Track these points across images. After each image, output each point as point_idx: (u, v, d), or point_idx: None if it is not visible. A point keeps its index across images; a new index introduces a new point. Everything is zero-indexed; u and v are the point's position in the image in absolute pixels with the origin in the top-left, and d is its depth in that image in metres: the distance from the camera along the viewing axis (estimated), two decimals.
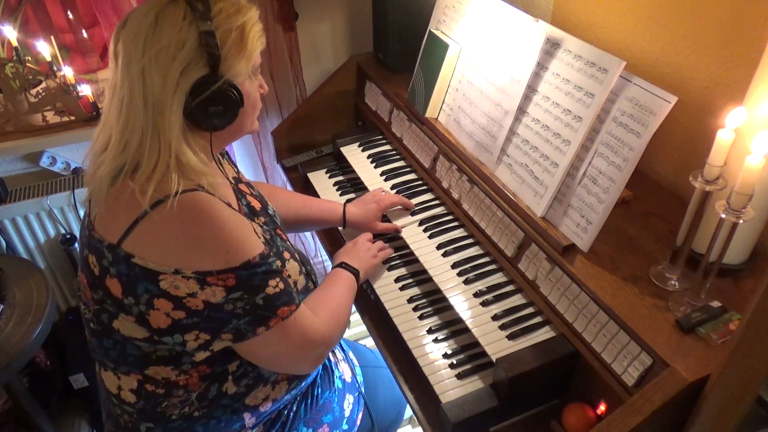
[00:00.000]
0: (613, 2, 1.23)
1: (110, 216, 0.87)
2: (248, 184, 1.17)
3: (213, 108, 0.88)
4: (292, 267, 1.04)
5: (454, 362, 1.10)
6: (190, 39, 0.84)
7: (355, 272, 1.19)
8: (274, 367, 1.00)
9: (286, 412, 1.11)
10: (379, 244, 1.31)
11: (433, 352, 1.12)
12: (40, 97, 1.64)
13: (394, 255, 1.36)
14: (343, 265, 1.19)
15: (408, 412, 1.82)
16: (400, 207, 1.39)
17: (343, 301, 1.11)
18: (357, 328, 2.12)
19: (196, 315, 0.85)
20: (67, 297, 1.98)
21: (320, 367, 1.20)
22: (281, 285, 0.92)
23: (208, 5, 0.86)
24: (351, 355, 1.34)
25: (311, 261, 2.23)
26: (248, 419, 1.03)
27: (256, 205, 1.11)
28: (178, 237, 0.84)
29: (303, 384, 1.11)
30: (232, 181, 1.10)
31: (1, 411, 1.67)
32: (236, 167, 1.23)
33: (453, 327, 1.17)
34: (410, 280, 1.29)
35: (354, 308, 1.35)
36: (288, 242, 1.13)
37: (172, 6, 0.85)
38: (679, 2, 1.09)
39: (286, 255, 1.05)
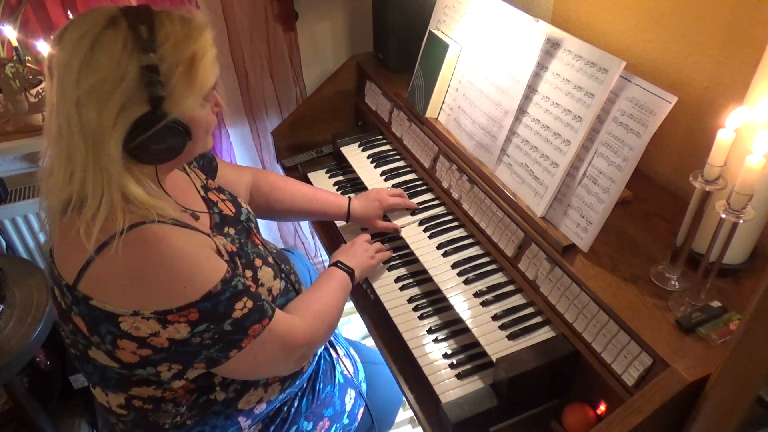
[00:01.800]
0: (613, 2, 1.23)
1: (63, 253, 0.83)
2: (219, 190, 1.13)
3: (155, 146, 0.81)
4: (266, 273, 1.01)
5: (454, 362, 1.10)
6: (130, 74, 0.76)
7: (349, 271, 1.18)
8: (256, 377, 0.99)
9: (286, 408, 1.12)
10: (377, 245, 1.31)
11: (433, 352, 1.12)
12: (40, 97, 1.64)
13: (394, 255, 1.36)
14: (339, 264, 1.19)
15: (408, 412, 1.82)
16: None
17: (331, 301, 1.09)
18: (357, 328, 2.12)
19: (162, 351, 0.82)
20: None
21: (322, 362, 1.21)
22: (249, 304, 0.88)
23: (153, 31, 0.77)
24: (352, 351, 1.34)
25: (312, 260, 2.23)
26: (243, 422, 1.03)
27: (229, 211, 1.08)
28: (129, 279, 0.79)
29: (298, 382, 1.10)
30: (201, 190, 1.06)
31: (1, 411, 1.67)
32: (208, 168, 1.19)
33: (453, 327, 1.17)
34: (410, 280, 1.29)
35: (354, 308, 1.35)
36: (260, 246, 1.09)
37: (111, 31, 0.76)
38: (679, 2, 1.09)
39: (258, 262, 1.01)
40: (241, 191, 1.30)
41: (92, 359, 0.88)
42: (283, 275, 1.09)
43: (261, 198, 1.34)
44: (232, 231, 1.05)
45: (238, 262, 0.96)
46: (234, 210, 1.10)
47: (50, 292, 0.91)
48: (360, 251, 1.25)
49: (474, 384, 1.06)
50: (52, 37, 0.80)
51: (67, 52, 0.77)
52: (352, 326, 2.16)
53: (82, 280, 0.80)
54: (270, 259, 1.06)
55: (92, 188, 0.79)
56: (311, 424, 1.15)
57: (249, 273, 0.98)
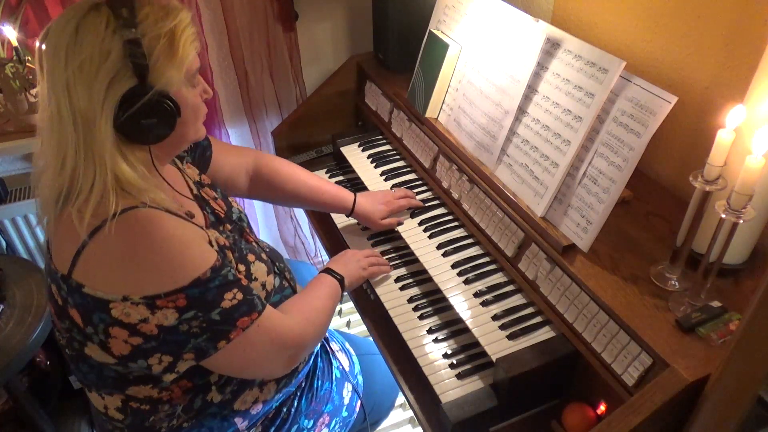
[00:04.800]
0: (613, 2, 1.23)
1: (58, 245, 0.84)
2: (212, 187, 1.13)
3: (146, 121, 0.83)
4: (259, 268, 1.01)
5: (454, 362, 1.10)
6: (115, 49, 0.79)
7: (339, 278, 1.17)
8: (246, 374, 0.98)
9: (285, 409, 1.12)
10: (372, 259, 1.29)
11: (433, 352, 1.12)
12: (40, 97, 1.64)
13: (393, 255, 1.36)
14: (329, 271, 1.19)
15: (408, 412, 1.82)
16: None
17: (320, 304, 1.09)
18: (357, 327, 2.12)
19: (153, 339, 0.83)
20: None
21: (319, 359, 1.21)
22: (239, 296, 0.88)
23: (133, 10, 0.81)
24: (347, 345, 1.35)
25: (312, 260, 2.23)
26: (240, 423, 1.03)
27: (222, 210, 1.08)
28: (120, 262, 0.80)
29: (294, 381, 1.11)
30: (194, 187, 1.06)
31: (1, 411, 1.67)
32: (201, 161, 1.19)
33: (453, 327, 1.17)
34: (410, 280, 1.29)
35: (354, 308, 1.35)
36: (254, 243, 1.10)
37: (94, 14, 0.80)
38: (679, 2, 1.09)
39: (251, 257, 1.01)
40: (241, 177, 1.30)
41: (88, 357, 0.88)
42: (277, 271, 1.09)
43: (262, 183, 1.32)
44: (227, 228, 1.05)
45: (231, 256, 0.96)
46: (225, 209, 1.10)
47: (47, 290, 0.90)
48: (352, 261, 1.24)
49: (474, 384, 1.06)
50: (40, 35, 0.83)
51: (54, 40, 0.80)
52: (352, 326, 2.15)
53: (76, 268, 0.81)
54: (263, 256, 1.06)
55: (83, 173, 0.80)
56: (311, 421, 1.16)
57: (242, 267, 0.98)
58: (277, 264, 1.11)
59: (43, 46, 0.81)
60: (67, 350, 0.93)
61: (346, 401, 1.23)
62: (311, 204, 1.37)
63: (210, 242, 0.92)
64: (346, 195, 1.36)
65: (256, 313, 0.90)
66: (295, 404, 1.13)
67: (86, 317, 0.83)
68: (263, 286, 1.01)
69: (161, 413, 0.94)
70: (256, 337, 0.91)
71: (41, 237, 1.83)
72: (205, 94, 0.94)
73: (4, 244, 1.80)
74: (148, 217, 0.82)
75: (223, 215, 1.07)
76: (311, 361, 1.18)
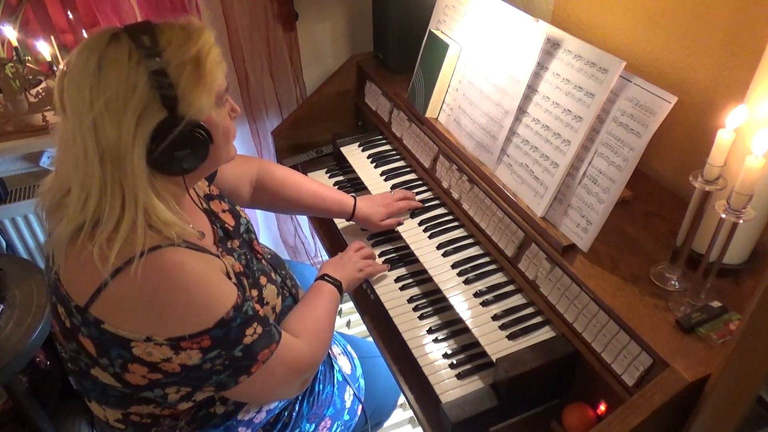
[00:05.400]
0: (613, 2, 1.23)
1: (73, 276, 0.82)
2: (220, 198, 1.11)
3: (179, 152, 0.80)
4: (270, 292, 1.01)
5: (454, 362, 1.10)
6: (141, 82, 0.76)
7: (337, 284, 1.17)
8: (261, 402, 0.99)
9: (287, 414, 1.11)
10: (365, 252, 1.30)
11: (433, 352, 1.12)
12: (40, 97, 1.64)
13: (394, 255, 1.36)
14: (326, 278, 1.18)
15: (408, 412, 1.82)
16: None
17: (325, 318, 1.08)
18: (357, 328, 2.12)
19: (174, 376, 0.83)
20: None
21: (321, 363, 1.20)
22: (259, 329, 0.88)
23: (155, 37, 0.78)
24: (349, 348, 1.34)
25: (312, 260, 2.23)
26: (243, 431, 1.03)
27: (230, 222, 1.07)
28: (145, 305, 0.79)
29: None
30: (204, 202, 1.05)
31: (1, 411, 1.67)
32: (208, 179, 1.16)
33: (453, 327, 1.17)
34: (410, 280, 1.29)
35: (354, 308, 1.35)
36: (263, 261, 1.09)
37: (114, 46, 0.77)
38: (679, 2, 1.09)
39: (263, 280, 1.01)
40: (244, 187, 1.29)
41: (93, 377, 0.87)
42: (284, 287, 1.09)
43: (266, 193, 1.32)
44: (236, 244, 1.04)
45: (245, 282, 0.96)
46: (234, 222, 1.09)
47: (52, 307, 0.88)
48: (349, 264, 1.24)
49: (474, 384, 1.06)
50: (59, 70, 0.79)
51: (76, 79, 0.77)
52: (352, 326, 2.15)
53: (95, 304, 0.79)
54: (273, 275, 1.06)
55: (109, 210, 0.78)
56: (313, 425, 1.15)
57: (255, 292, 0.98)
58: (278, 272, 1.11)
59: (64, 86, 0.78)
60: (69, 364, 0.91)
61: (348, 405, 1.23)
62: (313, 210, 1.37)
63: (227, 273, 0.91)
64: (346, 200, 1.37)
65: (275, 344, 0.90)
66: (297, 408, 1.13)
67: (102, 350, 0.81)
68: (273, 309, 1.02)
69: (163, 426, 0.94)
70: (276, 367, 0.91)
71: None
72: (233, 112, 0.91)
73: (4, 244, 1.80)
74: (173, 260, 0.80)
75: (231, 229, 1.06)
76: None
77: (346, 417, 1.22)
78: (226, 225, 1.06)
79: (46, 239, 0.88)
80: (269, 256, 1.14)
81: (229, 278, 0.91)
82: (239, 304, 0.86)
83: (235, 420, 1.00)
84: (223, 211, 1.09)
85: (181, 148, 0.81)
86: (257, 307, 0.92)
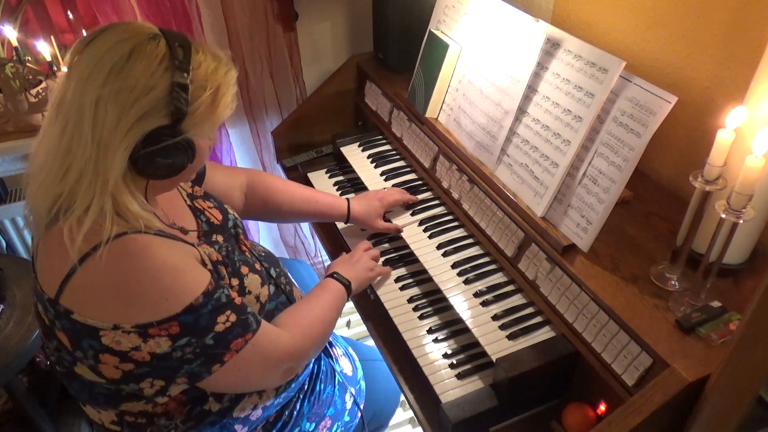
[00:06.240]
0: (613, 2, 1.23)
1: (45, 266, 0.83)
2: (205, 196, 1.12)
3: (161, 160, 0.82)
4: (252, 281, 1.00)
5: (454, 362, 1.10)
6: (160, 86, 0.78)
7: (346, 283, 1.16)
8: (241, 390, 0.97)
9: (287, 412, 1.11)
10: (374, 253, 1.29)
11: (433, 352, 1.12)
12: (40, 97, 1.64)
13: (394, 255, 1.36)
14: (335, 276, 1.17)
15: (408, 412, 1.82)
16: (401, 205, 1.39)
17: (322, 315, 1.07)
18: (357, 328, 2.12)
19: (144, 366, 0.82)
20: None
21: (322, 363, 1.21)
22: (232, 317, 0.87)
23: (189, 53, 0.81)
24: (350, 350, 1.34)
25: (312, 260, 2.23)
26: (240, 429, 1.03)
27: (216, 219, 1.07)
28: (111, 291, 0.79)
29: (294, 386, 1.10)
30: (187, 200, 1.06)
31: (1, 411, 1.67)
32: (194, 178, 1.16)
33: (453, 327, 1.17)
34: (410, 280, 1.29)
35: (354, 308, 1.35)
36: (248, 253, 1.09)
37: (152, 45, 0.79)
38: (679, 2, 1.09)
39: (244, 270, 1.00)
40: (235, 194, 1.29)
41: (79, 375, 0.87)
42: (272, 280, 1.08)
43: (257, 200, 1.32)
44: (220, 239, 1.03)
45: (224, 271, 0.95)
46: (221, 217, 1.09)
47: (34, 309, 0.89)
48: (360, 263, 1.24)
49: (474, 384, 1.06)
50: (80, 38, 0.81)
51: (101, 51, 0.78)
52: (352, 326, 2.15)
53: (64, 293, 0.79)
54: (257, 266, 1.05)
55: (85, 189, 0.79)
56: (313, 424, 1.15)
57: (235, 281, 0.97)
58: (271, 271, 1.10)
59: (84, 51, 0.79)
60: (57, 367, 0.91)
61: (348, 406, 1.23)
62: (306, 214, 1.36)
63: (203, 260, 0.91)
64: (340, 201, 1.37)
65: (251, 333, 0.89)
66: (297, 407, 1.13)
67: (75, 342, 0.81)
68: (257, 298, 1.00)
69: (158, 425, 0.93)
70: (251, 356, 0.90)
71: None
72: (210, 141, 0.93)
73: (4, 244, 1.80)
74: (138, 244, 0.80)
75: (218, 224, 1.06)
76: (313, 365, 1.17)
77: (347, 418, 1.22)
78: (212, 220, 1.06)
79: (25, 214, 0.88)
80: (263, 255, 1.14)
81: (205, 266, 0.90)
82: (210, 290, 0.85)
83: (230, 418, 0.99)
84: (210, 208, 1.09)
85: (165, 156, 0.83)
86: (234, 295, 0.91)
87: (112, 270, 0.78)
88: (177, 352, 0.82)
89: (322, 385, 1.18)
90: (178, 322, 0.81)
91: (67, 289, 0.79)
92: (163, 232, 0.86)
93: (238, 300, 0.90)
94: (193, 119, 0.83)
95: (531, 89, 1.13)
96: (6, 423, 1.67)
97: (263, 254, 1.15)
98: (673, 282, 0.96)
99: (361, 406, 1.26)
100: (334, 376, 1.22)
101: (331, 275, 1.18)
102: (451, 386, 1.06)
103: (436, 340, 1.15)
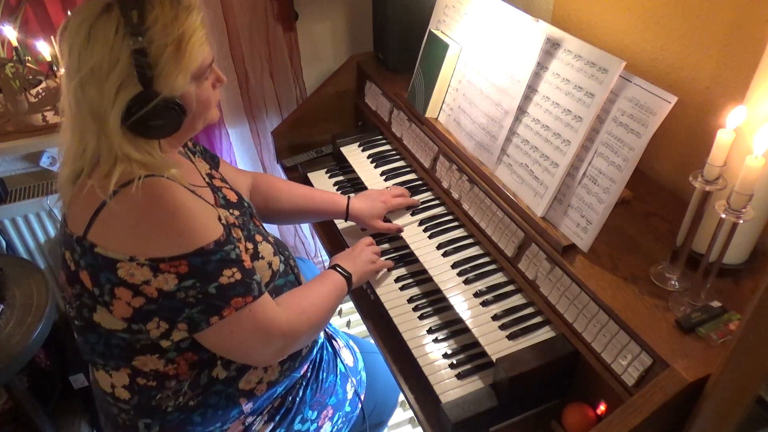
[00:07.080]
0: (613, 2, 1.23)
1: (76, 210, 0.89)
2: (222, 179, 1.16)
3: (153, 122, 0.87)
4: (266, 248, 1.04)
5: (454, 362, 1.10)
6: (123, 57, 0.82)
7: (347, 275, 1.17)
8: (234, 356, 0.98)
9: (291, 398, 1.13)
10: (375, 248, 1.30)
11: (433, 352, 1.12)
12: (40, 97, 1.64)
13: (394, 255, 1.36)
14: (337, 268, 1.19)
15: (408, 412, 1.82)
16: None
17: (320, 300, 1.09)
18: (357, 328, 2.12)
19: (152, 302, 0.86)
20: None
21: (324, 352, 1.22)
22: (238, 275, 0.90)
23: (143, 13, 0.83)
24: (351, 342, 1.36)
25: (312, 259, 2.23)
26: (245, 405, 1.04)
27: (232, 197, 1.11)
28: (133, 223, 0.85)
29: (299, 367, 1.11)
30: (206, 177, 1.09)
31: (1, 411, 1.67)
32: (211, 161, 1.22)
33: (453, 327, 1.17)
34: (410, 280, 1.29)
35: (354, 308, 1.35)
36: (262, 227, 1.14)
37: (105, 17, 0.83)
38: (679, 2, 1.09)
39: (258, 237, 1.05)
40: (242, 192, 1.30)
41: (97, 324, 0.91)
42: (283, 258, 1.10)
43: (260, 199, 1.35)
44: (236, 212, 1.07)
45: (240, 234, 0.99)
46: (236, 198, 1.12)
47: (61, 259, 0.94)
48: (362, 256, 1.25)
49: (474, 384, 1.06)
50: (60, 27, 0.88)
51: (69, 39, 0.84)
52: (352, 326, 2.15)
53: (92, 229, 0.85)
54: (270, 239, 1.09)
55: (106, 155, 0.86)
56: (315, 412, 1.17)
57: (250, 245, 1.00)
58: (282, 251, 1.12)
59: (62, 39, 0.85)
60: (76, 321, 0.95)
61: (350, 396, 1.24)
62: (306, 211, 1.38)
63: (219, 218, 0.94)
64: (339, 198, 1.38)
65: (251, 297, 0.92)
66: (300, 394, 1.14)
67: (95, 278, 0.86)
68: (270, 265, 1.03)
69: (168, 390, 0.96)
70: (246, 321, 0.92)
71: (41, 237, 1.83)
72: (218, 82, 0.97)
73: (4, 244, 1.80)
74: (163, 185, 0.86)
75: (235, 201, 1.10)
76: (316, 352, 1.18)
77: (348, 408, 1.23)
78: (229, 197, 1.10)
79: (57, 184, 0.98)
80: (273, 238, 1.16)
81: (220, 222, 0.94)
82: (222, 241, 0.89)
83: (236, 390, 1.01)
84: (226, 187, 1.13)
85: (154, 119, 0.87)
86: (246, 258, 0.94)
87: (137, 204, 0.84)
88: (181, 292, 0.86)
89: (325, 374, 1.20)
90: (187, 261, 0.85)
91: (95, 223, 0.85)
92: (188, 186, 0.91)
93: (248, 264, 0.94)
94: (163, 78, 0.85)
95: (531, 89, 1.13)
96: (6, 423, 1.67)
97: (273, 239, 1.16)
98: (673, 282, 0.96)
99: (362, 397, 1.27)
100: (337, 366, 1.24)
101: (333, 267, 1.19)
102: (451, 386, 1.06)
103: (436, 340, 1.15)
